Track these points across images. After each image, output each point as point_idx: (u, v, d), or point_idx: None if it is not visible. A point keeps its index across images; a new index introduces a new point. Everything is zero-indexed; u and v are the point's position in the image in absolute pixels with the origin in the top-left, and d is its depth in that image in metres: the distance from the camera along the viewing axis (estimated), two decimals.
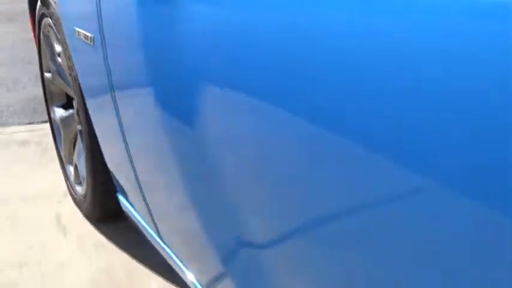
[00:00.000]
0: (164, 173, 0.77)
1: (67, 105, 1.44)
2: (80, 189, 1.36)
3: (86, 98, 0.98)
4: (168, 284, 1.13)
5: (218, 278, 0.79)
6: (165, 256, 0.97)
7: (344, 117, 0.39)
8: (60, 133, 1.46)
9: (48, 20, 1.22)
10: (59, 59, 1.24)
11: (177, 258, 0.92)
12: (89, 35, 0.80)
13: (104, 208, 1.26)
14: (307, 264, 0.51)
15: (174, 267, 0.94)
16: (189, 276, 0.87)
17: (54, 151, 1.56)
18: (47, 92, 1.47)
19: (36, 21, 1.33)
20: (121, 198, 1.09)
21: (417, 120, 0.32)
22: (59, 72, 1.32)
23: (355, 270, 0.44)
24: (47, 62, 1.40)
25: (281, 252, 0.55)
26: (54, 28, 1.18)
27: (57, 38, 1.18)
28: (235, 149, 0.55)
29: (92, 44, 0.80)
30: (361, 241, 0.41)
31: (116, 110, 0.79)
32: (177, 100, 0.65)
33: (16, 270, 1.15)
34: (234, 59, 0.50)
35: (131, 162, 0.85)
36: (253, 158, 0.52)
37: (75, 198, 1.40)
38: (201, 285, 0.87)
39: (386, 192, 0.37)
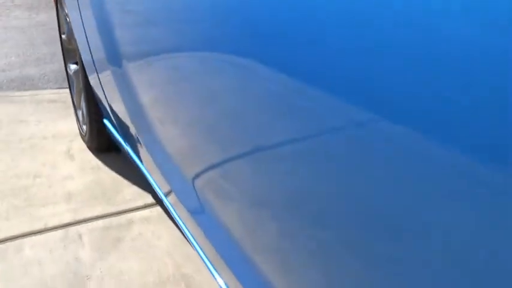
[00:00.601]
0: (120, 83, 1.09)
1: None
2: (85, 128, 1.70)
3: (76, 40, 1.32)
4: (140, 190, 1.45)
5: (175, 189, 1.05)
6: (136, 165, 1.28)
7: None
8: (73, 85, 1.81)
9: None
10: (68, 19, 1.58)
11: (144, 167, 1.22)
12: None
13: (99, 140, 1.60)
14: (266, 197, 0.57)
15: (144, 173, 1.23)
16: (153, 182, 1.16)
17: None
18: (63, 51, 1.83)
19: None
20: (105, 121, 1.42)
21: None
22: (70, 31, 1.67)
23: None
24: (62, 25, 1.75)
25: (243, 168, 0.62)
26: None
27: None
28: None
29: None
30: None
31: (87, 39, 1.12)
32: (123, 32, 0.95)
33: (31, 179, 1.51)
34: None
35: (100, 82, 1.17)
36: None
37: (82, 135, 1.75)
38: (160, 190, 1.16)
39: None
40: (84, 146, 1.76)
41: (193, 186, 0.87)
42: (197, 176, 0.84)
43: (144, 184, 1.46)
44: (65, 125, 1.96)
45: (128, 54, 0.93)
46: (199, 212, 0.92)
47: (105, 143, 1.61)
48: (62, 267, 1.12)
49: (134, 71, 0.93)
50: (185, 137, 0.85)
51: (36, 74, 2.73)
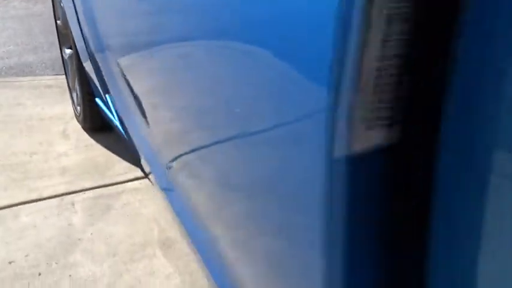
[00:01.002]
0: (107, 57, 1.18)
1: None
2: (79, 109, 1.79)
3: (70, 27, 1.41)
4: (130, 165, 1.54)
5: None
6: (123, 137, 1.37)
7: None
8: (68, 68, 1.90)
9: None
10: (62, 5, 1.67)
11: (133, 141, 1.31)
12: None
13: (92, 119, 1.69)
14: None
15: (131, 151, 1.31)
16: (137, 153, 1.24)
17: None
18: (59, 36, 1.92)
19: None
20: (97, 100, 1.51)
21: None
22: (64, 17, 1.76)
23: None
24: (57, 12, 1.84)
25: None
26: None
27: None
28: None
29: None
30: None
31: (77, 18, 1.21)
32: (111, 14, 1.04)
33: (28, 156, 1.60)
34: None
35: (92, 66, 1.27)
36: None
37: (77, 116, 1.84)
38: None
39: None
40: (79, 126, 1.85)
41: (167, 169, 0.94)
42: (172, 160, 0.90)
43: (134, 158, 1.55)
44: (61, 109, 2.04)
45: (111, 42, 1.01)
46: (171, 190, 0.96)
47: (98, 122, 1.70)
48: (56, 231, 1.22)
49: (119, 57, 1.01)
50: (160, 123, 0.93)
51: (34, 62, 2.82)
